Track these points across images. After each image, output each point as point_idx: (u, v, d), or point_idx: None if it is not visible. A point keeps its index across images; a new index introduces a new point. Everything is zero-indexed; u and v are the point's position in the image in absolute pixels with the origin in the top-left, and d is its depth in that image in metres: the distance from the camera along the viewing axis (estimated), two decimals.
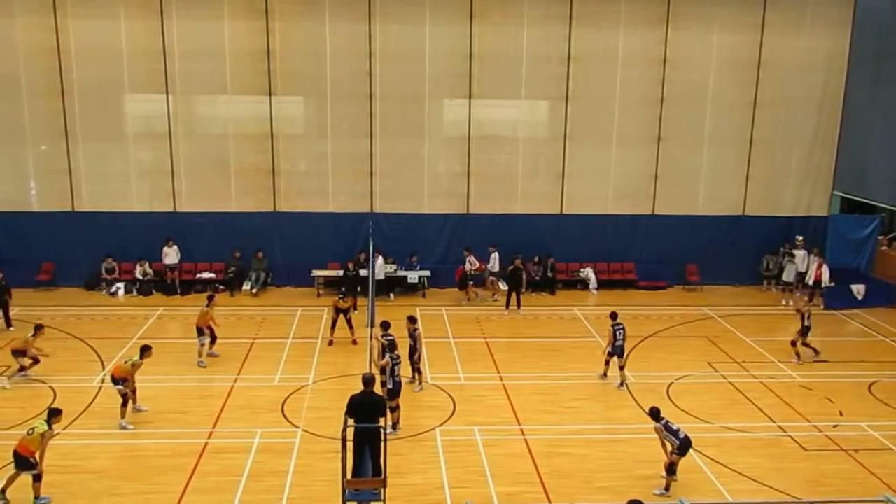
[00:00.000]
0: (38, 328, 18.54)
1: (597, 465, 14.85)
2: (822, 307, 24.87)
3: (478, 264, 25.41)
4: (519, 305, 24.32)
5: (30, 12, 24.51)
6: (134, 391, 16.38)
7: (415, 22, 25.40)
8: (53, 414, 13.64)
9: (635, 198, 27.06)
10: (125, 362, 16.45)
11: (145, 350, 16.74)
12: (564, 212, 26.93)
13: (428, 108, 26.13)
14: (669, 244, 26.99)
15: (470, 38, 25.48)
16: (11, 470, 13.15)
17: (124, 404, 15.92)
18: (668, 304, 25.56)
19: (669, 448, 13.88)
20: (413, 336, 18.01)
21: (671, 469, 13.82)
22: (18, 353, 18.03)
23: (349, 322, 21.04)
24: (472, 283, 25.39)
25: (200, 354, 19.54)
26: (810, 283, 25.59)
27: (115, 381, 16.15)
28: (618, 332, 18.56)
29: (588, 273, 26.96)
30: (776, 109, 26.71)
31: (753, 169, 27.08)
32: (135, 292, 25.50)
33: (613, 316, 18.97)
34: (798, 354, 20.34)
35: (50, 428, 13.38)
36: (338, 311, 21.02)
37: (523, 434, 16.09)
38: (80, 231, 25.63)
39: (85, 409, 16.68)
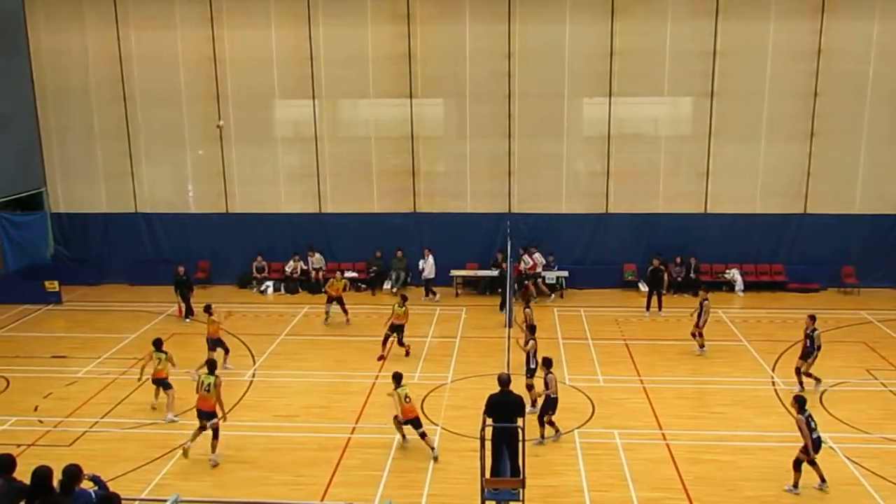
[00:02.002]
0: (206, 309, 19.64)
1: (744, 473, 14.28)
2: None
3: (531, 263, 25.02)
4: (660, 307, 23.71)
5: (189, 25, 26.13)
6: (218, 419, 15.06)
7: (554, 21, 25.26)
8: (397, 378, 15.23)
9: (785, 196, 25.83)
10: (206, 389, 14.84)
11: (211, 365, 15.50)
12: (708, 211, 26.07)
13: (567, 106, 25.91)
14: (823, 245, 25.62)
15: (611, 35, 25.07)
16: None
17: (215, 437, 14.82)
18: (821, 307, 24.08)
19: (803, 443, 13.40)
20: (547, 382, 15.43)
21: (798, 465, 13.49)
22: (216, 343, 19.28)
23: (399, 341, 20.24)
24: (527, 281, 24.99)
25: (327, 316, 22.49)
26: None
27: (201, 414, 14.83)
28: (706, 307, 20.16)
29: (734, 274, 25.99)
30: None
31: None
32: (283, 290, 26.63)
33: (706, 290, 21.13)
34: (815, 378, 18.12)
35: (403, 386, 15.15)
36: (392, 328, 20.03)
37: (665, 438, 15.69)
38: (234, 231, 27.08)
39: (237, 402, 17.48)
